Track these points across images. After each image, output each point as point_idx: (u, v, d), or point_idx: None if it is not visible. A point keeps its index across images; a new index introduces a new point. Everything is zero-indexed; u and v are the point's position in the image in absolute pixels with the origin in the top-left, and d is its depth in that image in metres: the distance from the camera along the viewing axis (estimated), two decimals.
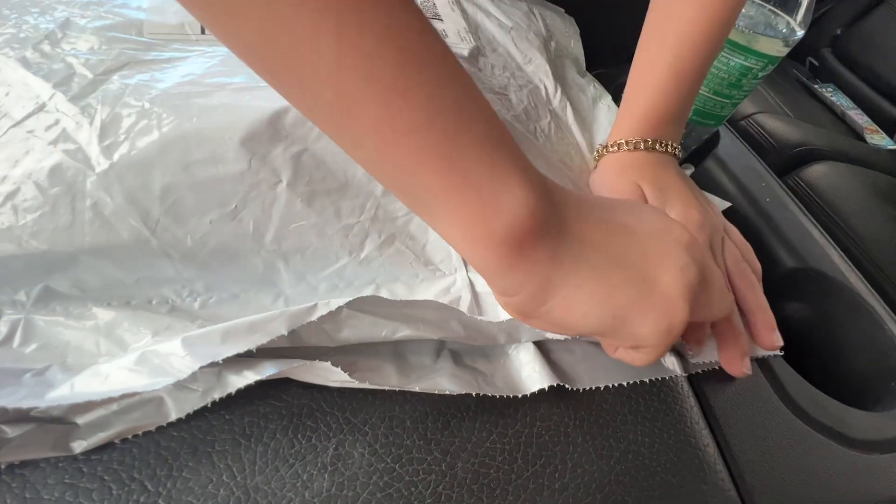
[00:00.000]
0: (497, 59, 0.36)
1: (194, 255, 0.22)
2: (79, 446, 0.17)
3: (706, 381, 0.26)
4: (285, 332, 0.18)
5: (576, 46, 0.45)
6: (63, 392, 0.17)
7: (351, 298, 0.19)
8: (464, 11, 0.38)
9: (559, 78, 0.37)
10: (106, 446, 0.18)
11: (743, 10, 0.34)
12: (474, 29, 0.37)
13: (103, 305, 0.21)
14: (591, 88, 0.39)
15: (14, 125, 0.21)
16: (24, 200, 0.20)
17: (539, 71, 0.37)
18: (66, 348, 0.19)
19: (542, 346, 0.24)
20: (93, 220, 0.20)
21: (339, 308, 0.19)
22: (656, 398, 0.25)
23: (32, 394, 0.17)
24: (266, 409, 0.20)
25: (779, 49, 0.35)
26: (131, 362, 0.18)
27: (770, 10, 0.36)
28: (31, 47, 0.24)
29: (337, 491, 0.19)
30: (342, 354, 0.22)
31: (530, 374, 0.23)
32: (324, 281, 0.24)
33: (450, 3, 0.38)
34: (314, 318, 0.19)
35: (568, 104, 0.35)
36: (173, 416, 0.18)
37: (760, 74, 0.36)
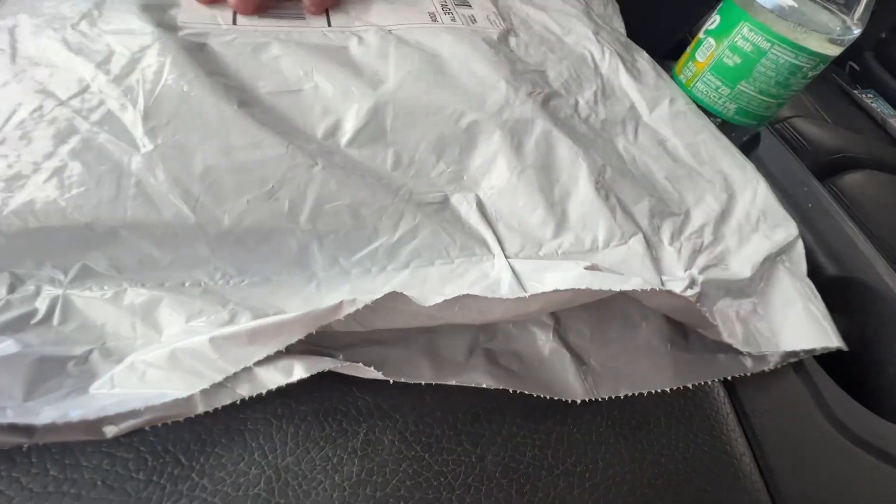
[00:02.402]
0: (532, 37, 0.35)
1: (230, 233, 0.21)
2: (110, 431, 0.17)
3: (742, 388, 0.25)
4: (313, 332, 0.18)
5: (619, 25, 0.43)
6: (103, 387, 0.18)
7: (377, 296, 0.18)
8: None
9: (606, 42, 0.36)
10: None
11: (795, 5, 0.33)
12: (505, 12, 0.36)
13: (137, 286, 0.21)
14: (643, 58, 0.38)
15: (59, 104, 0.21)
16: (71, 176, 0.20)
17: (582, 39, 0.36)
18: (103, 330, 0.19)
19: (579, 351, 0.24)
20: (136, 195, 0.20)
21: (366, 306, 0.18)
22: (691, 402, 0.24)
23: (76, 388, 0.17)
24: (296, 391, 0.20)
25: (832, 48, 0.33)
26: (164, 360, 0.18)
27: (824, 5, 0.34)
28: (69, 27, 0.24)
29: (367, 476, 0.19)
30: (374, 345, 0.22)
31: (565, 379, 0.23)
32: (357, 265, 0.24)
33: None
34: (340, 316, 0.18)
35: (620, 66, 0.34)
36: (201, 409, 0.18)
37: (810, 74, 0.35)
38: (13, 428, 0.16)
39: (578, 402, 0.22)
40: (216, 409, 0.19)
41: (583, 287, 0.20)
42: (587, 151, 0.28)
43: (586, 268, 0.23)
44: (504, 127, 0.27)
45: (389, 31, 0.30)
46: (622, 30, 0.42)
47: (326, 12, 0.31)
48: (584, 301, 0.22)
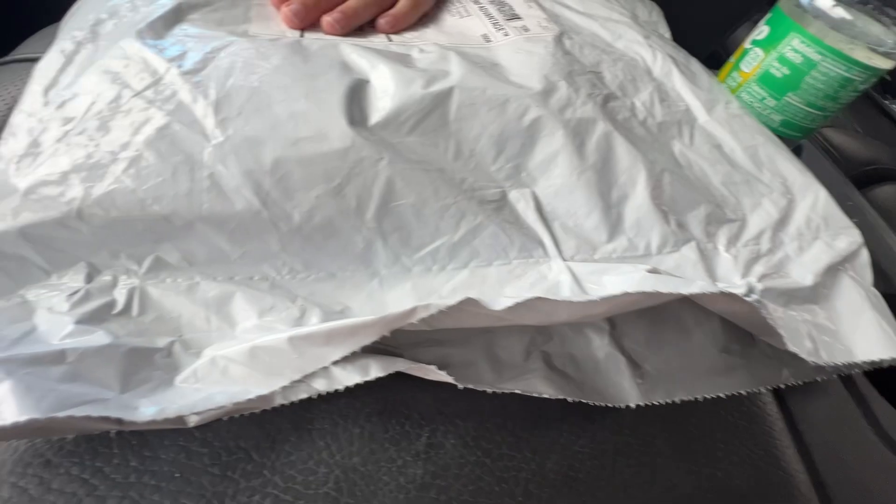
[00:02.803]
0: (581, 40, 0.34)
1: (300, 229, 0.22)
2: (192, 420, 0.18)
3: (792, 400, 0.25)
4: (388, 334, 0.18)
5: (662, 28, 0.43)
6: (188, 380, 0.18)
7: (451, 302, 0.18)
8: (541, 6, 0.37)
9: (657, 46, 0.35)
10: None
11: (848, 18, 0.32)
12: (555, 19, 0.35)
13: (209, 279, 0.21)
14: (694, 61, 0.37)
15: (134, 95, 0.21)
16: (146, 166, 0.20)
17: (632, 44, 0.35)
18: (179, 322, 0.20)
19: (634, 355, 0.24)
20: (210, 188, 0.20)
21: (441, 311, 0.18)
22: (745, 417, 0.24)
23: (164, 380, 0.17)
24: (360, 390, 0.21)
25: (884, 61, 0.32)
26: (245, 356, 0.18)
27: (877, 18, 0.33)
28: (146, 26, 0.25)
29: (430, 479, 0.19)
30: (435, 345, 0.22)
31: (619, 383, 0.23)
32: (418, 263, 0.24)
33: (525, 2, 0.37)
34: (414, 320, 0.18)
35: (673, 68, 0.34)
36: (278, 402, 0.19)
37: (861, 87, 0.34)
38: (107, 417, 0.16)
39: (634, 406, 0.22)
40: (284, 406, 0.19)
41: (650, 290, 0.20)
42: (646, 155, 0.28)
43: (649, 271, 0.23)
44: (567, 126, 0.26)
45: (447, 48, 0.30)
46: (668, 36, 0.41)
47: (385, 35, 0.31)
48: (650, 304, 0.22)
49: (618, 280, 0.23)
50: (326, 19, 0.29)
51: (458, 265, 0.24)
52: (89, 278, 0.20)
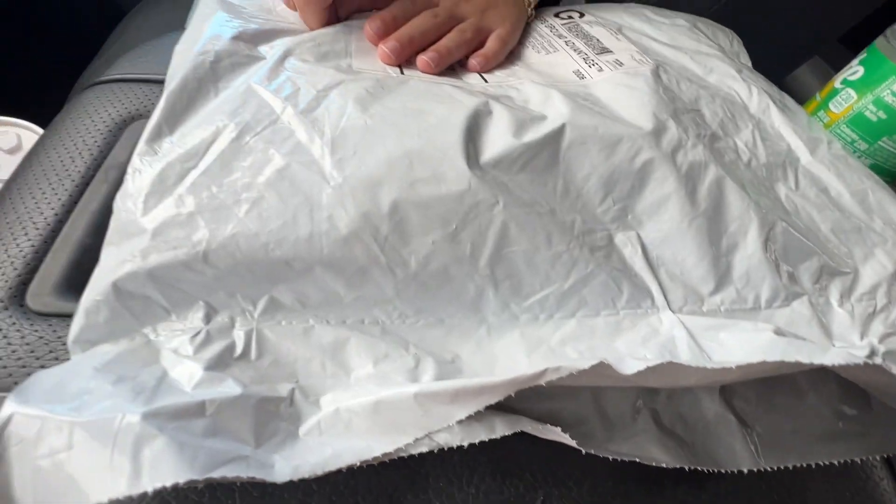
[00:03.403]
0: (676, 73, 0.33)
1: (416, 276, 0.21)
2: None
3: None
4: (512, 395, 0.18)
5: (744, 58, 0.41)
6: (312, 432, 0.18)
7: (583, 366, 0.18)
8: (628, 39, 0.36)
9: (751, 81, 0.34)
10: None
11: None
12: (644, 52, 0.34)
13: (322, 322, 0.21)
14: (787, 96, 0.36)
15: (254, 135, 0.21)
16: (268, 208, 0.20)
17: (725, 78, 0.34)
18: (295, 367, 0.19)
19: (744, 416, 0.23)
20: (329, 232, 0.20)
21: (571, 374, 0.18)
22: (853, 481, 0.23)
23: (289, 432, 0.17)
24: (474, 450, 0.20)
25: None
26: (369, 411, 0.18)
27: None
28: (257, 65, 0.25)
29: None
30: (544, 399, 0.22)
31: (731, 446, 0.22)
32: (526, 311, 0.23)
33: (612, 34, 0.36)
34: (542, 382, 0.18)
35: (770, 104, 0.32)
36: (398, 455, 0.18)
37: None
38: None
39: (746, 471, 0.21)
40: (397, 463, 0.19)
41: (790, 360, 0.19)
42: (757, 202, 0.26)
43: (774, 332, 0.22)
44: (680, 170, 0.25)
45: (544, 87, 0.29)
46: (749, 65, 0.40)
47: (479, 75, 0.31)
48: (783, 372, 0.21)
49: (739, 340, 0.22)
50: (422, 58, 0.30)
51: (565, 314, 0.23)
52: (207, 319, 0.20)
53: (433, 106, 0.25)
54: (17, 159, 0.47)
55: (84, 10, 0.96)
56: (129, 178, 0.20)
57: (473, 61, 0.32)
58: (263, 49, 0.28)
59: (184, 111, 0.23)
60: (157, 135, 0.21)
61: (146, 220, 0.19)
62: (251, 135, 0.21)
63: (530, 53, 0.35)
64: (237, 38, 0.27)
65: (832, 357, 0.19)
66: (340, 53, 0.28)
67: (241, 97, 0.23)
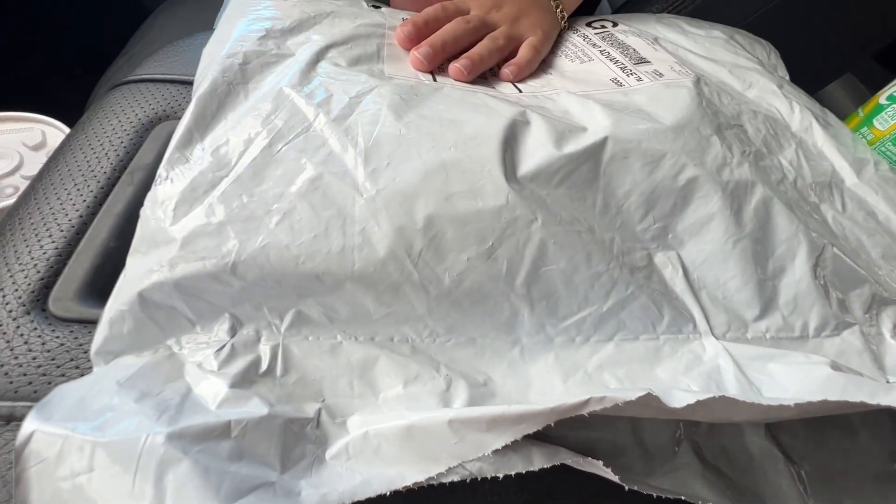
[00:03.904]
0: (716, 87, 0.32)
1: (449, 294, 0.20)
2: None
3: None
4: (552, 424, 0.17)
5: (782, 71, 0.40)
6: (340, 456, 0.17)
7: (629, 397, 0.17)
8: (665, 50, 0.34)
9: (793, 97, 0.33)
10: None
11: None
12: (682, 63, 0.33)
13: (350, 339, 0.20)
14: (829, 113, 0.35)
15: (286, 144, 0.21)
16: (300, 220, 0.19)
17: (765, 93, 0.33)
18: (321, 384, 0.19)
19: (791, 452, 0.22)
20: (361, 246, 0.19)
21: (615, 405, 0.17)
22: None
23: (316, 456, 0.16)
24: (507, 478, 0.19)
25: None
26: (400, 436, 0.17)
27: None
28: (292, 71, 0.25)
29: None
30: (581, 428, 0.20)
31: (778, 484, 0.21)
32: (562, 333, 0.22)
33: (649, 44, 0.35)
34: (585, 412, 0.17)
35: (813, 122, 0.31)
36: (428, 483, 0.17)
37: None
38: None
39: None
40: (431, 486, 0.18)
41: (854, 400, 0.18)
42: (806, 224, 0.25)
43: (831, 367, 0.20)
44: (725, 189, 0.24)
45: (583, 97, 0.28)
46: (787, 78, 0.38)
47: (513, 84, 0.31)
48: (844, 411, 0.19)
49: (791, 373, 0.21)
50: (454, 65, 0.29)
51: (602, 337, 0.22)
52: (233, 331, 0.19)
53: (469, 115, 0.24)
54: (41, 156, 0.47)
55: (109, 8, 0.97)
56: (158, 185, 0.20)
57: (506, 70, 0.31)
58: (293, 44, 0.27)
59: (214, 115, 0.22)
60: (188, 141, 0.21)
61: (175, 230, 0.19)
62: (283, 143, 0.21)
63: (564, 62, 0.34)
64: (265, 37, 0.27)
65: None
66: (372, 57, 0.27)
67: (273, 102, 0.22)
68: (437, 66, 0.29)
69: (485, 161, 0.22)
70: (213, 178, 0.20)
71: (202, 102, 0.22)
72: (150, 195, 0.20)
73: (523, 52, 0.32)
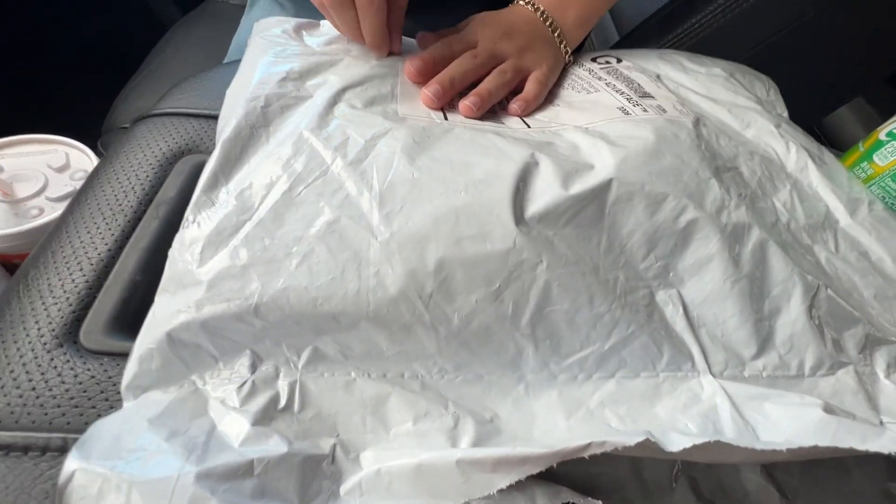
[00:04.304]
0: (714, 128, 0.33)
1: (458, 334, 0.21)
2: None
3: None
4: (554, 466, 0.18)
5: (780, 108, 0.41)
6: (353, 492, 0.18)
7: (629, 442, 0.18)
8: (667, 88, 0.36)
9: (790, 136, 0.33)
10: None
11: None
12: (683, 102, 0.34)
13: (363, 375, 0.21)
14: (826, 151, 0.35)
15: (305, 187, 0.22)
16: (318, 262, 0.20)
17: (763, 133, 0.33)
18: (336, 420, 0.20)
19: (786, 489, 0.22)
20: (376, 288, 0.20)
21: (616, 449, 0.18)
22: None
23: (331, 491, 0.17)
24: None
25: None
26: (410, 474, 0.18)
27: None
28: (309, 113, 0.26)
29: None
30: (582, 463, 0.21)
31: None
32: (565, 371, 0.23)
33: (652, 81, 0.36)
34: (586, 455, 0.18)
35: (809, 162, 0.32)
36: None
37: None
38: None
39: None
40: None
41: (844, 446, 0.19)
42: (800, 266, 0.26)
43: (824, 409, 0.21)
44: (724, 231, 0.25)
45: (586, 128, 0.29)
46: (786, 115, 0.39)
47: (522, 119, 0.32)
48: (836, 456, 0.20)
49: (785, 414, 0.21)
50: (464, 103, 0.30)
51: (604, 374, 0.23)
52: (253, 368, 0.20)
53: (479, 158, 0.25)
54: (65, 177, 0.48)
55: (127, 26, 1.00)
56: (185, 228, 0.21)
57: (514, 105, 0.32)
58: (311, 86, 0.28)
59: (238, 159, 0.23)
60: (214, 184, 0.22)
61: (202, 272, 0.20)
62: (303, 186, 0.22)
63: (571, 94, 0.35)
64: (285, 79, 0.28)
65: (887, 443, 0.19)
66: (387, 97, 0.29)
67: (293, 146, 0.23)
68: (447, 102, 0.31)
69: (493, 205, 0.23)
70: (238, 221, 0.21)
71: (227, 147, 0.23)
72: (178, 238, 0.21)
73: (530, 86, 0.33)
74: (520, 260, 0.22)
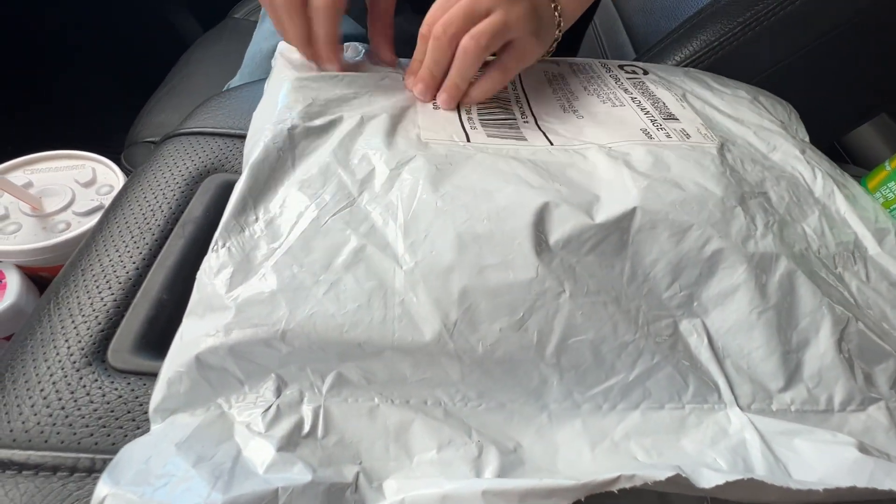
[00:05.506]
0: (739, 152, 0.33)
1: (482, 363, 0.21)
2: None
3: None
4: (582, 499, 0.17)
5: (802, 133, 0.40)
6: None
7: (658, 477, 0.17)
8: (693, 108, 0.35)
9: (815, 162, 0.33)
10: None
11: None
12: (708, 123, 0.34)
13: (387, 402, 0.21)
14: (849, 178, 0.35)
15: (332, 216, 0.22)
16: (345, 290, 0.21)
17: (789, 157, 0.33)
18: (359, 447, 0.20)
19: None
20: (401, 316, 0.21)
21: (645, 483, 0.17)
22: None
23: None
24: None
25: None
26: (436, 500, 0.18)
27: None
28: (333, 139, 0.26)
29: None
30: (608, 498, 0.21)
31: None
32: (589, 401, 0.23)
33: (678, 100, 0.36)
34: (614, 489, 0.17)
35: (835, 189, 0.31)
36: None
37: None
38: None
39: None
40: None
41: (883, 488, 0.18)
42: (830, 297, 0.26)
43: (858, 448, 0.21)
44: (751, 261, 0.25)
45: (609, 147, 0.29)
46: (807, 139, 0.39)
47: (544, 134, 0.31)
48: (874, 498, 0.20)
49: (817, 451, 0.21)
50: (442, 96, 0.31)
51: (628, 406, 0.23)
52: (278, 392, 0.20)
53: (501, 185, 0.25)
54: (91, 192, 0.49)
55: (151, 42, 1.03)
56: (214, 252, 0.21)
57: (444, 96, 0.31)
58: (336, 114, 0.29)
59: (265, 183, 0.24)
60: (243, 209, 0.22)
61: (231, 297, 0.20)
62: (330, 216, 0.22)
63: (596, 102, 0.35)
64: (311, 105, 0.29)
65: None
66: (409, 124, 0.29)
67: (321, 176, 0.24)
68: (438, 90, 0.32)
69: (515, 234, 0.23)
70: (268, 249, 0.21)
71: (255, 171, 0.24)
72: (206, 261, 0.21)
73: (486, 82, 0.32)
74: (543, 289, 0.22)
